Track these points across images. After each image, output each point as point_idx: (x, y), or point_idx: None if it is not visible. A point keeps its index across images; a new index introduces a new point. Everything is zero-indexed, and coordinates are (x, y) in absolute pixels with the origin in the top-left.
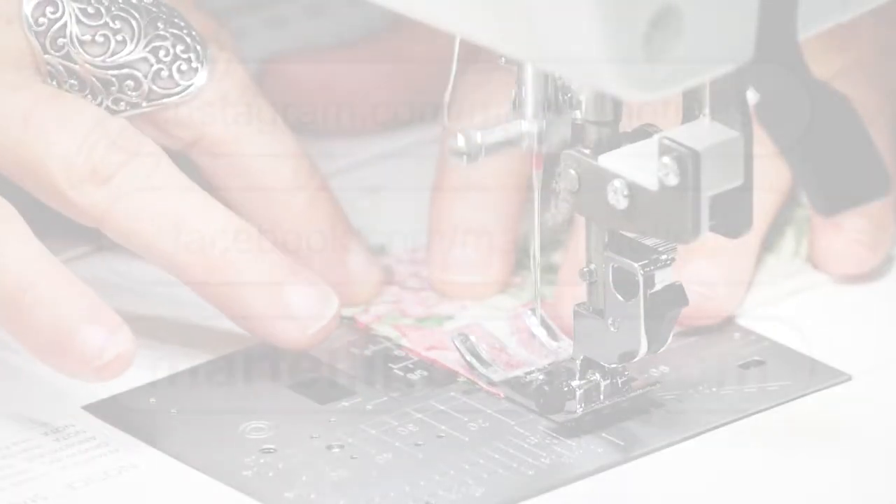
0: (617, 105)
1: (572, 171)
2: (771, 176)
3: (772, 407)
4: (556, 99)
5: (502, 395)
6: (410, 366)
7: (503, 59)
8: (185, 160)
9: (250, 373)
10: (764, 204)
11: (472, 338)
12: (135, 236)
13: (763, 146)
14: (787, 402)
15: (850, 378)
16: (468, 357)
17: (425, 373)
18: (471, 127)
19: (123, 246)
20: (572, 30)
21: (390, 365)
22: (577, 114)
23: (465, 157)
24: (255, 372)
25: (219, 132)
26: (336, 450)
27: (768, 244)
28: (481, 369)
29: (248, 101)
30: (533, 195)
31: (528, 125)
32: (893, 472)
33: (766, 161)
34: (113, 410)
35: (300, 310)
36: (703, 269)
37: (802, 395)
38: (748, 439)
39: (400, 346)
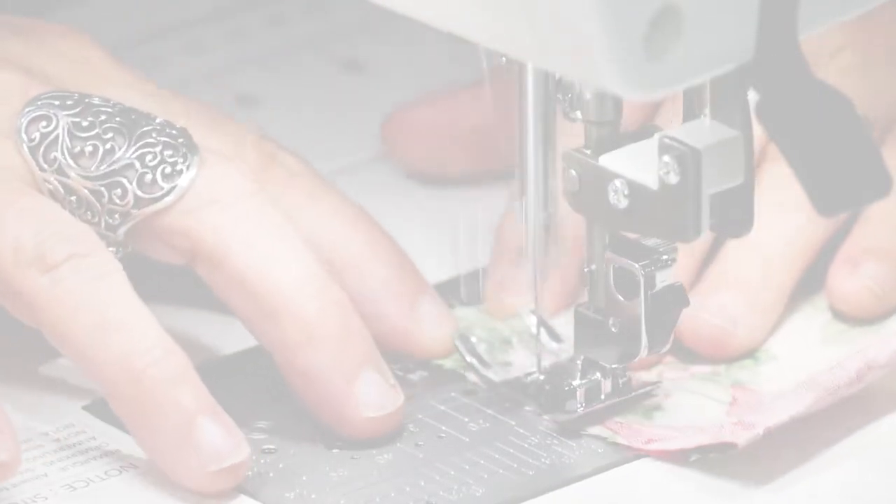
0: (617, 104)
1: (573, 171)
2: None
3: None
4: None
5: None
6: (411, 366)
7: (503, 58)
8: None
9: (250, 373)
10: (807, 234)
11: (473, 338)
12: (64, 328)
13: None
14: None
15: None
16: (468, 358)
17: (425, 373)
18: None
19: (53, 343)
20: (573, 29)
21: (390, 365)
22: (578, 113)
23: None
24: (256, 372)
25: (210, 239)
26: (336, 450)
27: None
28: (481, 370)
29: (248, 207)
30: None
31: None
32: (894, 472)
33: None
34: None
35: (207, 446)
36: (727, 302)
37: None
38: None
39: (617, 443)
